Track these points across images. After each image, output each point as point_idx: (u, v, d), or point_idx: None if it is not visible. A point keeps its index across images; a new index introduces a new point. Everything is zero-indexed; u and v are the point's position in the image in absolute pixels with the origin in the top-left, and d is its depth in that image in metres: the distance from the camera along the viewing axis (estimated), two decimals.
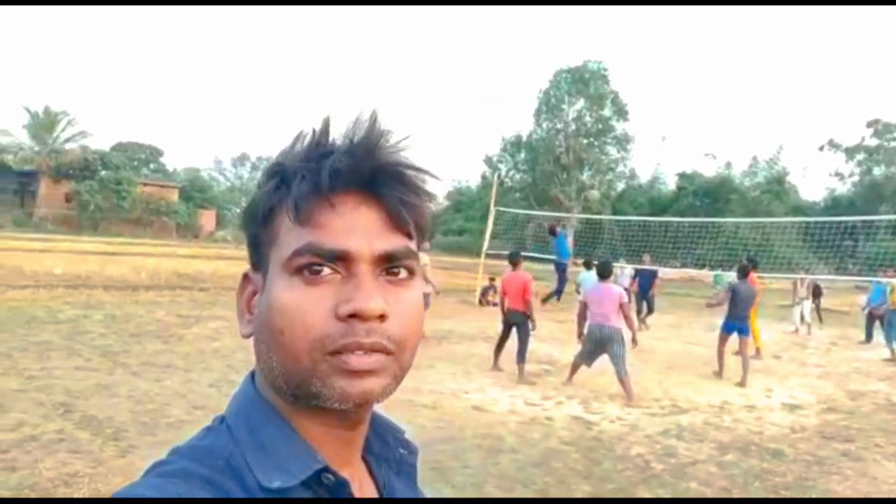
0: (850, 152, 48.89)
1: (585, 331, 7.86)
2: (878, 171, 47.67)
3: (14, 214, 37.60)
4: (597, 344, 7.60)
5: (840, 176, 50.27)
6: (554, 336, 11.68)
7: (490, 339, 11.33)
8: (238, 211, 48.05)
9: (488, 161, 49.90)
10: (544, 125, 46.73)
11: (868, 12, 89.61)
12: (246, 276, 0.67)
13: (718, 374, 8.96)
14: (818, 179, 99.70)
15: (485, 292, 16.52)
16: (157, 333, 9.43)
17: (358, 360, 0.58)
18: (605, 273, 7.99)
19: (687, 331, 13.99)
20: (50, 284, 13.78)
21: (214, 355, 7.84)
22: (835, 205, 45.32)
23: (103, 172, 38.05)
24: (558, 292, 15.71)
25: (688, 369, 9.57)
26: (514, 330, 8.46)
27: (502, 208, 21.08)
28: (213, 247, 30.80)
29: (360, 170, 0.60)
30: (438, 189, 0.69)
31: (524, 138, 47.94)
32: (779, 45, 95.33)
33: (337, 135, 0.63)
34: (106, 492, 3.93)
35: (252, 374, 0.66)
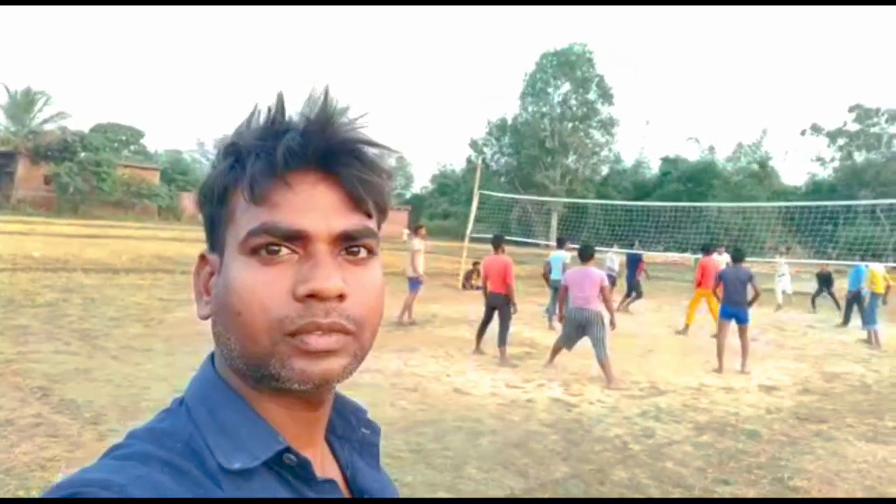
0: (832, 136, 49.37)
1: (566, 313, 7.88)
2: (858, 156, 48.20)
3: None
4: (577, 326, 7.63)
5: (822, 161, 50.84)
6: (536, 319, 11.76)
7: (473, 322, 11.37)
8: None
9: (474, 144, 49.89)
10: (530, 108, 46.69)
11: None
12: (203, 257, 0.66)
13: (719, 370, 8.47)
14: (800, 164, 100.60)
15: (468, 276, 16.57)
16: (137, 317, 9.37)
17: (317, 341, 0.57)
18: (586, 256, 8.00)
19: (668, 315, 14.14)
20: (28, 267, 13.61)
21: (196, 339, 7.79)
22: (816, 189, 45.85)
23: (83, 154, 37.49)
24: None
25: (668, 352, 9.69)
26: (495, 313, 8.51)
27: (486, 192, 21.07)
28: (195, 229, 30.54)
29: (317, 148, 0.59)
30: (395, 163, 0.68)
31: (509, 122, 47.88)
32: (763, 30, 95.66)
33: (293, 112, 0.62)
34: None
35: (212, 356, 0.66)
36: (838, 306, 15.79)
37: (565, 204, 31.62)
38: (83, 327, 8.34)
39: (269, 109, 0.62)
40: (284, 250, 0.58)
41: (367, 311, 0.61)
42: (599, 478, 4.61)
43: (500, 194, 25.15)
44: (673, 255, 24.22)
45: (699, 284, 11.65)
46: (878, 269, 12.55)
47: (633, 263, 15.02)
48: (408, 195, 63.20)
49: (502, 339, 8.36)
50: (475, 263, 17.32)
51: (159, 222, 37.93)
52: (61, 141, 37.50)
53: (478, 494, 4.18)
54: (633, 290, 14.47)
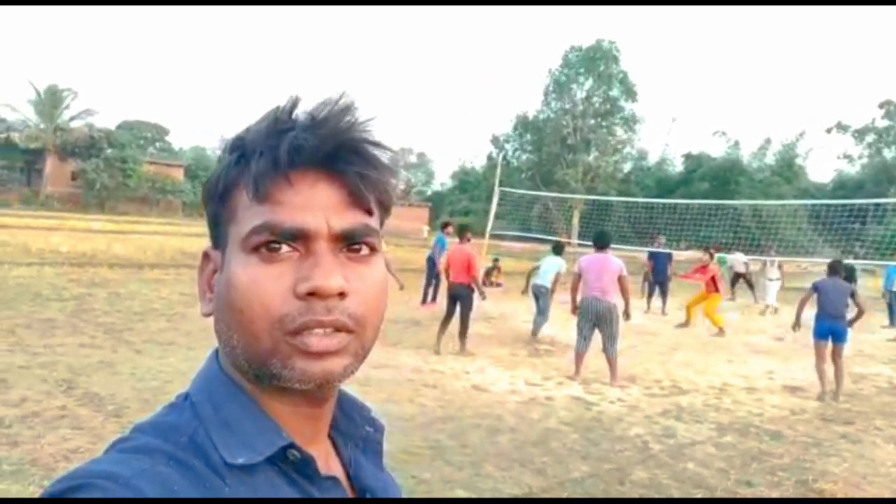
0: (860, 134, 48.40)
1: (579, 304, 7.50)
2: (888, 153, 47.21)
3: (21, 192, 37.77)
4: (592, 317, 7.29)
5: (849, 158, 49.85)
6: (556, 317, 11.68)
7: (492, 319, 11.39)
8: None
9: (495, 141, 49.66)
10: (552, 105, 46.40)
11: None
12: (206, 254, 0.66)
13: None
14: (826, 161, 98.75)
15: (488, 273, 16.53)
16: (161, 311, 9.49)
17: (318, 342, 0.57)
18: (603, 243, 7.60)
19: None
20: (55, 262, 13.87)
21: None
22: (842, 186, 44.97)
23: (109, 151, 38.13)
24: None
25: (691, 351, 9.57)
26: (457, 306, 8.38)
27: (506, 188, 20.99)
28: None
29: (319, 146, 0.59)
30: (398, 163, 0.68)
31: (531, 118, 47.64)
32: (791, 25, 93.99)
33: (302, 111, 0.62)
34: None
35: (216, 352, 0.66)
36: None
37: (587, 201, 31.38)
38: (108, 321, 8.47)
39: (278, 109, 0.62)
40: (286, 248, 0.59)
41: (369, 309, 0.61)
42: (619, 477, 4.57)
43: (521, 191, 25.04)
44: (697, 253, 23.95)
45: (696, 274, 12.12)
46: None
47: (663, 263, 14.48)
48: (428, 192, 63.22)
49: (463, 331, 8.28)
50: (495, 260, 17.28)
51: (183, 218, 38.42)
52: (88, 138, 38.15)
53: (495, 493, 4.17)
54: (662, 290, 14.11)
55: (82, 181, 37.82)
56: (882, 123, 47.23)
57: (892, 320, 12.82)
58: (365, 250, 0.62)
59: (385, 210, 0.65)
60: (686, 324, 11.83)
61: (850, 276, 16.18)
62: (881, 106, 47.18)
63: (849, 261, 16.72)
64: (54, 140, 37.88)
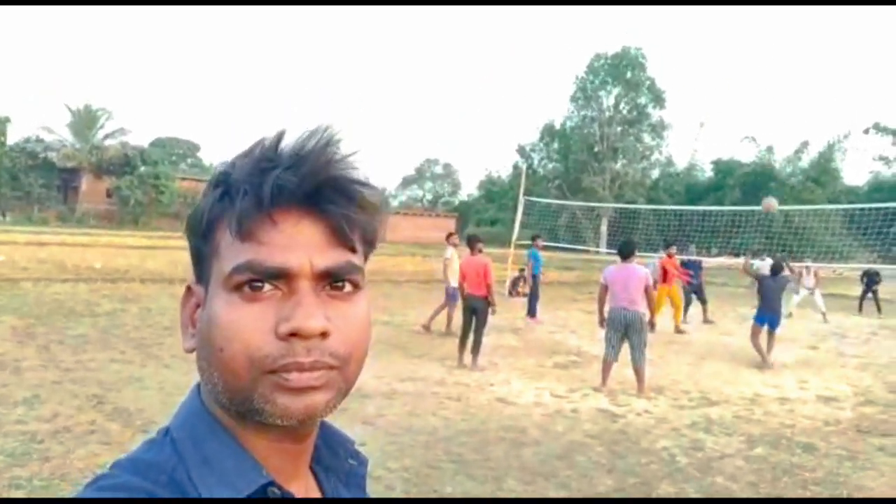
0: None
1: (607, 315, 7.41)
2: None
3: (58, 210, 38.81)
4: (620, 327, 7.22)
5: (885, 160, 48.65)
6: (583, 327, 11.58)
7: (518, 330, 11.32)
8: None
9: (521, 150, 49.63)
10: (580, 113, 46.23)
11: None
12: (189, 288, 0.66)
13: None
14: (862, 163, 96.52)
15: (515, 282, 16.46)
16: None
17: (299, 377, 0.57)
18: (626, 253, 7.47)
19: (721, 321, 13.72)
20: (90, 278, 14.19)
21: None
22: (879, 189, 43.86)
23: (142, 168, 38.97)
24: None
25: (721, 360, 9.40)
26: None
27: (532, 198, 20.93)
28: None
29: (303, 185, 0.59)
30: (383, 199, 0.68)
31: (557, 127, 47.50)
32: (821, 26, 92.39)
33: (286, 145, 0.62)
34: None
35: (198, 386, 0.66)
36: (879, 309, 15.50)
37: (615, 209, 31.12)
38: (138, 336, 8.63)
39: (263, 144, 0.62)
40: (268, 287, 0.58)
41: (352, 347, 0.61)
42: (645, 491, 4.49)
43: (545, 200, 24.94)
44: (729, 260, 23.50)
45: (663, 282, 12.29)
46: None
47: (696, 271, 14.22)
48: (456, 202, 63.30)
49: (476, 346, 8.05)
50: (521, 270, 17.19)
51: None
52: (122, 156, 39.11)
53: None
54: (700, 297, 13.85)
55: (117, 198, 38.71)
56: None
57: None
58: (348, 287, 0.62)
59: (369, 245, 0.65)
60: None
61: (873, 281, 15.98)
62: None
63: (877, 266, 16.46)
64: (89, 159, 38.89)
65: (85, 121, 40.21)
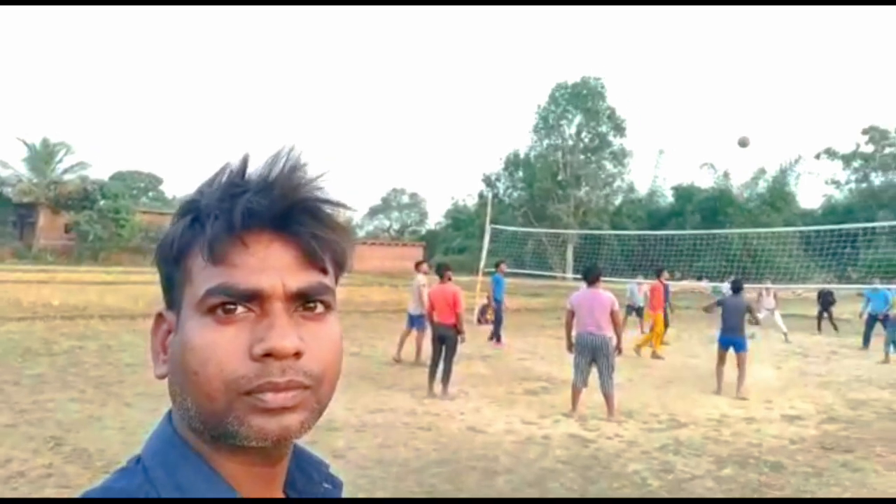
0: (847, 159, 49.05)
1: (574, 340, 7.46)
2: (875, 178, 47.79)
3: (13, 246, 37.66)
4: (588, 352, 7.25)
5: (837, 184, 50.42)
6: (552, 353, 11.62)
7: (488, 357, 11.31)
8: None
9: (486, 179, 50.08)
10: (542, 142, 46.98)
11: (862, 17, 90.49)
12: (160, 315, 0.67)
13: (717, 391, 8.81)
14: (815, 187, 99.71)
15: (483, 310, 16.47)
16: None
17: (274, 398, 0.58)
18: (592, 278, 7.50)
19: (687, 344, 13.92)
20: (47, 316, 13.76)
21: None
22: (832, 212, 45.35)
23: (102, 202, 38.16)
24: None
25: (687, 383, 9.51)
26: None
27: (499, 226, 21.11)
28: None
29: (273, 208, 0.60)
30: (353, 220, 0.69)
31: (521, 156, 48.15)
32: (774, 53, 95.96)
33: (254, 170, 0.63)
34: None
35: (170, 413, 0.66)
36: (835, 328, 15.96)
37: (580, 235, 31.53)
38: (98, 374, 8.37)
39: (230, 170, 0.63)
40: (241, 309, 0.59)
41: (325, 366, 0.61)
42: None
43: (512, 228, 25.17)
44: (690, 284, 23.93)
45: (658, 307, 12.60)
46: None
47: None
48: (423, 231, 63.39)
49: (446, 374, 8.00)
50: (489, 297, 17.22)
51: None
52: (81, 190, 38.26)
53: None
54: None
55: (76, 233, 37.78)
56: (867, 149, 47.94)
57: (865, 343, 13.69)
58: (320, 308, 0.62)
59: (340, 267, 0.66)
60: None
61: (827, 301, 16.51)
62: (865, 132, 47.97)
63: (832, 286, 16.97)
64: (47, 193, 37.97)
65: (42, 155, 39.30)
